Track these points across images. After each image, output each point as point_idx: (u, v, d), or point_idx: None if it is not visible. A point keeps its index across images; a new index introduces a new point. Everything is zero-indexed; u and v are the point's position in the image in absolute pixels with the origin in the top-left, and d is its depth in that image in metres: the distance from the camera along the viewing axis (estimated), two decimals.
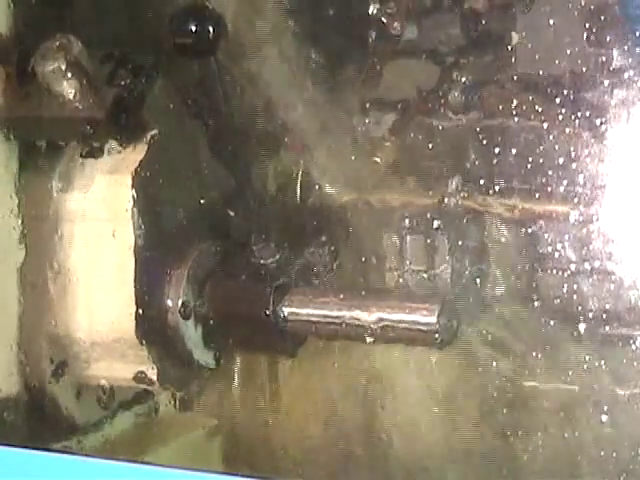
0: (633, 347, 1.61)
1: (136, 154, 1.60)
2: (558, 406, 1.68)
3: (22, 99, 1.60)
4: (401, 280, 1.74)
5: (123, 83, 1.59)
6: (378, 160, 1.75)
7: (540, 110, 1.61)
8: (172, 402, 1.84)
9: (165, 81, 1.65)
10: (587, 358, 1.63)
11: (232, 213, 1.72)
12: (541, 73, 1.62)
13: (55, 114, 1.58)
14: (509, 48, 1.64)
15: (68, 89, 1.56)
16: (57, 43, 1.56)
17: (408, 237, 1.72)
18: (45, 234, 1.63)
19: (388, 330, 1.57)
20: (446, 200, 1.68)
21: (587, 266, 1.62)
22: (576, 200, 1.60)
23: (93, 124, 1.57)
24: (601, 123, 1.58)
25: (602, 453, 1.64)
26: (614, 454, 1.63)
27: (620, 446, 1.63)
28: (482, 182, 1.66)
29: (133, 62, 1.61)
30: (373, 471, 1.82)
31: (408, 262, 1.73)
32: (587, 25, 1.57)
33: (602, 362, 1.63)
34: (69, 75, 1.56)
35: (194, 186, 1.70)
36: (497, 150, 1.64)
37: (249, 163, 1.75)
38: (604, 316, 1.61)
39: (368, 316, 1.58)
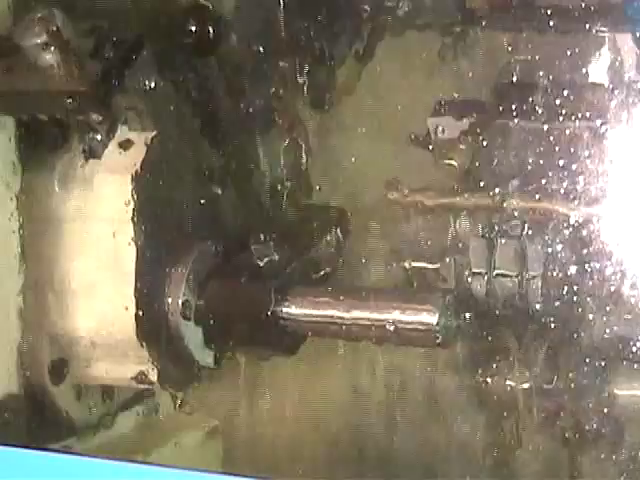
0: None
1: (136, 154, 1.60)
2: None
3: (5, 73, 1.56)
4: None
5: (107, 56, 1.57)
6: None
7: None
8: (172, 402, 1.84)
9: (164, 79, 1.65)
10: None
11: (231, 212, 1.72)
12: None
13: (38, 87, 1.55)
14: None
15: (50, 62, 1.52)
16: (38, 15, 1.53)
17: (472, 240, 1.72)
18: (45, 233, 1.63)
19: (388, 330, 1.57)
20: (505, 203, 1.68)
21: None
22: None
23: (76, 97, 1.54)
24: None
25: None
26: None
27: None
28: None
29: (117, 35, 1.58)
30: None
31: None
32: None
33: None
34: (51, 48, 1.52)
35: (194, 186, 1.70)
36: None
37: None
38: None
39: (368, 316, 1.58)
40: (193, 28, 1.56)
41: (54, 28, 1.52)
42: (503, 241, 1.70)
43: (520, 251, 1.68)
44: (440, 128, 1.75)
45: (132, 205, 1.58)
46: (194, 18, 1.56)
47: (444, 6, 1.73)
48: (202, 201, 1.70)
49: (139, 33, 1.59)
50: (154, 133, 1.61)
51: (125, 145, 1.62)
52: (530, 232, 1.68)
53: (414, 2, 1.73)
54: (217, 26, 1.58)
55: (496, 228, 1.70)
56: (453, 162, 1.76)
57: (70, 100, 1.54)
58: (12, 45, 1.55)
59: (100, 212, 1.61)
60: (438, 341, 1.54)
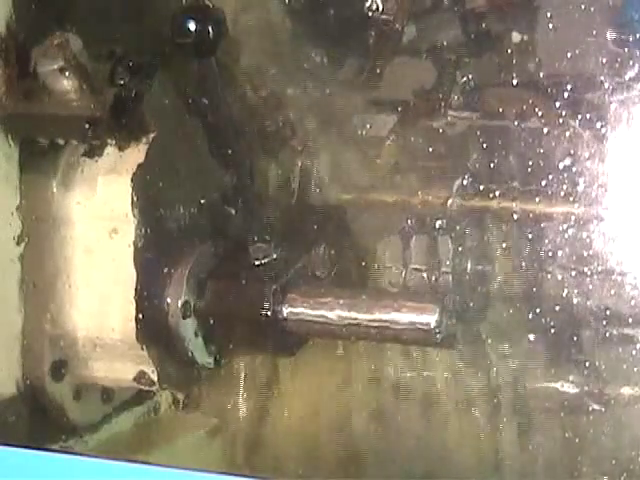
0: None
1: (136, 155, 1.60)
2: None
3: (22, 97, 1.59)
4: (403, 280, 1.74)
5: (123, 82, 1.59)
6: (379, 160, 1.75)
7: None
8: (172, 402, 1.84)
9: (164, 81, 1.65)
10: None
11: (233, 211, 1.72)
12: None
13: (55, 112, 1.58)
14: None
15: (67, 88, 1.56)
16: (56, 41, 1.56)
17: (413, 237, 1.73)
18: (45, 234, 1.63)
19: (388, 330, 1.57)
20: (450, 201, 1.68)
21: None
22: None
23: (93, 123, 1.57)
24: None
25: None
26: None
27: None
28: None
29: (133, 60, 1.60)
30: None
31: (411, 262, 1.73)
32: None
33: None
34: (68, 74, 1.55)
35: (194, 187, 1.70)
36: None
37: (249, 161, 1.76)
38: None
39: (368, 316, 1.58)
40: (193, 28, 1.57)
41: (71, 54, 1.55)
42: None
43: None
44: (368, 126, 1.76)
45: (132, 206, 1.59)
46: (194, 18, 1.57)
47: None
48: (202, 201, 1.70)
49: (154, 57, 1.61)
50: (154, 134, 1.62)
51: (125, 146, 1.63)
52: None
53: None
54: (217, 26, 1.59)
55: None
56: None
57: (87, 125, 1.56)
58: (30, 70, 1.58)
59: (100, 212, 1.61)
60: (437, 341, 1.54)
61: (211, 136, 1.70)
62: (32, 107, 1.59)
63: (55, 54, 1.55)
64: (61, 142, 1.62)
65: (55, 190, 1.63)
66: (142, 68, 1.61)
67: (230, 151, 1.71)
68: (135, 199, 1.59)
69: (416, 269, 1.74)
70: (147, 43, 1.65)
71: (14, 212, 1.61)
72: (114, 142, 1.61)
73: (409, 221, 1.74)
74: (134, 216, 1.59)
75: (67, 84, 1.56)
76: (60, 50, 1.55)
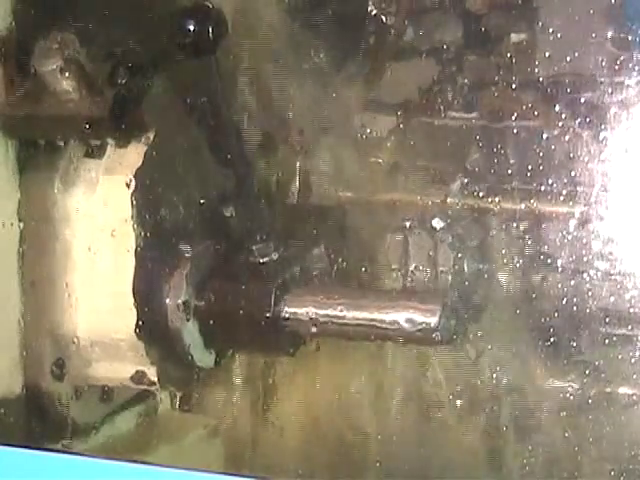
0: None
1: (136, 155, 1.60)
2: None
3: (22, 98, 1.59)
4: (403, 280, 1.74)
5: (122, 82, 1.59)
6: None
7: None
8: (172, 402, 1.84)
9: (165, 82, 1.65)
10: None
11: (231, 214, 1.72)
12: None
13: (54, 113, 1.58)
14: None
15: (67, 88, 1.56)
16: (56, 42, 1.56)
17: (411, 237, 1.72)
18: (45, 234, 1.63)
19: (388, 330, 1.57)
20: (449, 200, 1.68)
21: None
22: None
23: (92, 123, 1.57)
24: None
25: None
26: None
27: None
28: None
29: (133, 61, 1.60)
30: None
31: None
32: None
33: None
34: (67, 74, 1.56)
35: (194, 187, 1.70)
36: None
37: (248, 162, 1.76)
38: None
39: (368, 316, 1.58)
40: (192, 27, 1.57)
41: (71, 54, 1.55)
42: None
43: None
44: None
45: (131, 207, 1.58)
46: (194, 17, 1.57)
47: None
48: (202, 201, 1.70)
49: (154, 57, 1.61)
50: (154, 134, 1.62)
51: (125, 146, 1.63)
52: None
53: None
54: (217, 26, 1.59)
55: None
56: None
57: (87, 126, 1.56)
58: (29, 70, 1.58)
59: (100, 212, 1.61)
60: (437, 340, 1.55)
61: (211, 136, 1.70)
62: (32, 108, 1.59)
63: (55, 54, 1.55)
64: (60, 143, 1.63)
65: (55, 190, 1.63)
66: (142, 68, 1.61)
67: (229, 151, 1.71)
68: (135, 200, 1.59)
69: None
70: (146, 43, 1.65)
71: (14, 212, 1.61)
72: (114, 142, 1.61)
73: None
74: (134, 217, 1.59)
75: (67, 84, 1.56)
76: (60, 50, 1.56)
